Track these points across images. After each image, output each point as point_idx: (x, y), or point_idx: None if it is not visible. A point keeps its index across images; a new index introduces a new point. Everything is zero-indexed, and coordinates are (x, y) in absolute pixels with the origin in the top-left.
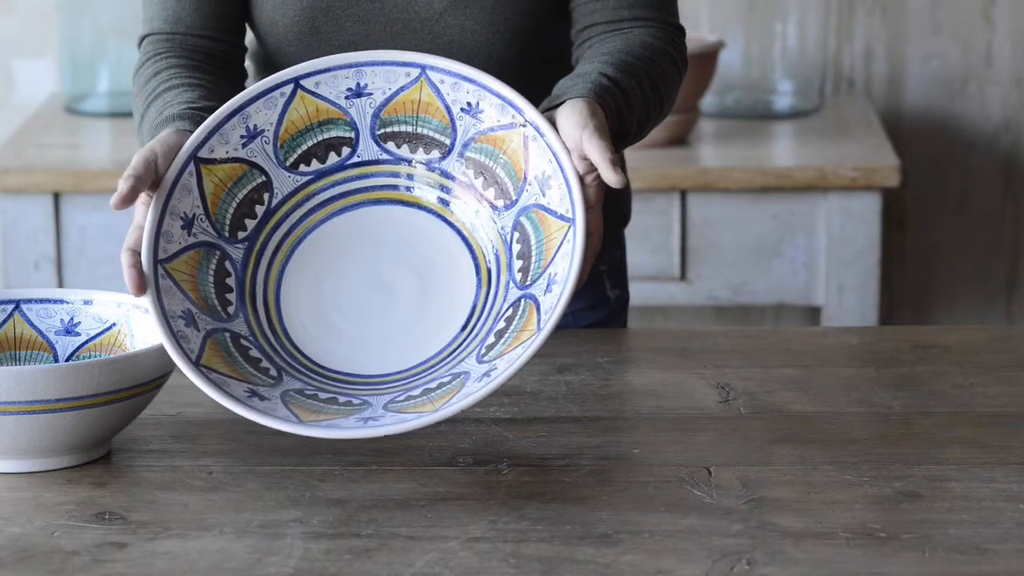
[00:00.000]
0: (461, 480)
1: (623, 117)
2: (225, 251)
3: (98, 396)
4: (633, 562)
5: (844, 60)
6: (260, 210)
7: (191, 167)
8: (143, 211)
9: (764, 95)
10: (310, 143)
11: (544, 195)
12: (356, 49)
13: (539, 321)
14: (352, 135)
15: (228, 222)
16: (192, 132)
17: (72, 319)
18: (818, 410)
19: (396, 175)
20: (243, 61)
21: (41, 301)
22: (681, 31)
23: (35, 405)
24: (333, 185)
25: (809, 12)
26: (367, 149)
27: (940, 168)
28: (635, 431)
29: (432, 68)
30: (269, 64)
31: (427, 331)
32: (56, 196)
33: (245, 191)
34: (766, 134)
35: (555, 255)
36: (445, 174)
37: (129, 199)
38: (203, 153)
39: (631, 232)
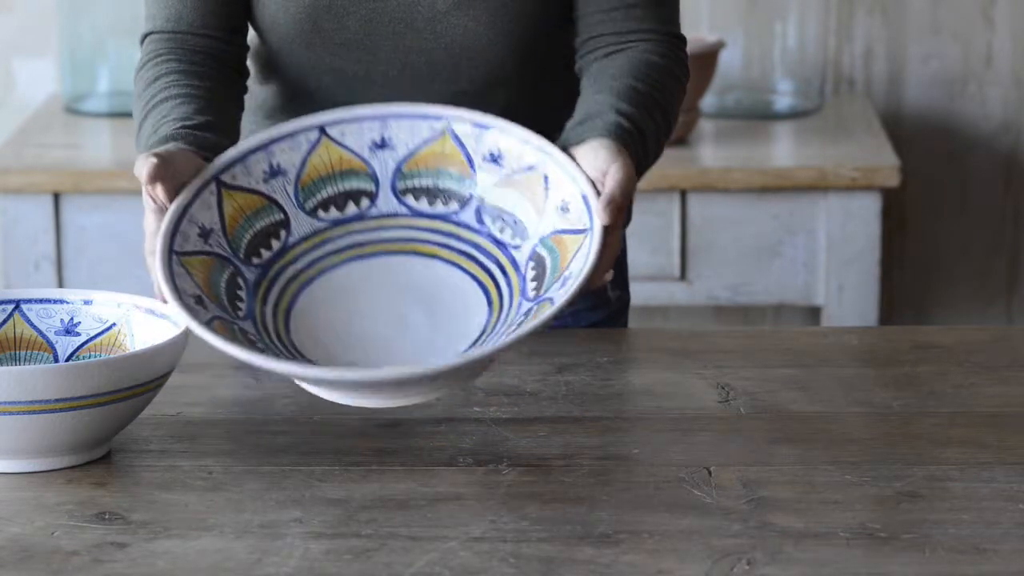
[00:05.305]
0: (461, 480)
1: (639, 158)
2: (239, 268)
3: (98, 396)
4: (633, 562)
5: (844, 60)
6: (276, 244)
7: (213, 186)
8: (152, 219)
9: (764, 95)
10: (330, 191)
11: (562, 219)
12: (358, 47)
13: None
14: (372, 188)
15: (244, 247)
16: (174, 145)
17: (72, 319)
18: (818, 410)
19: (413, 228)
20: (245, 60)
21: (41, 301)
22: (683, 41)
23: (35, 405)
24: (350, 234)
25: (809, 12)
26: (386, 202)
27: (940, 168)
28: (635, 431)
29: (456, 119)
30: (271, 64)
31: (437, 351)
32: (56, 196)
33: (263, 223)
34: (766, 134)
35: (571, 260)
36: (462, 225)
37: (159, 171)
38: (225, 178)
39: (631, 232)
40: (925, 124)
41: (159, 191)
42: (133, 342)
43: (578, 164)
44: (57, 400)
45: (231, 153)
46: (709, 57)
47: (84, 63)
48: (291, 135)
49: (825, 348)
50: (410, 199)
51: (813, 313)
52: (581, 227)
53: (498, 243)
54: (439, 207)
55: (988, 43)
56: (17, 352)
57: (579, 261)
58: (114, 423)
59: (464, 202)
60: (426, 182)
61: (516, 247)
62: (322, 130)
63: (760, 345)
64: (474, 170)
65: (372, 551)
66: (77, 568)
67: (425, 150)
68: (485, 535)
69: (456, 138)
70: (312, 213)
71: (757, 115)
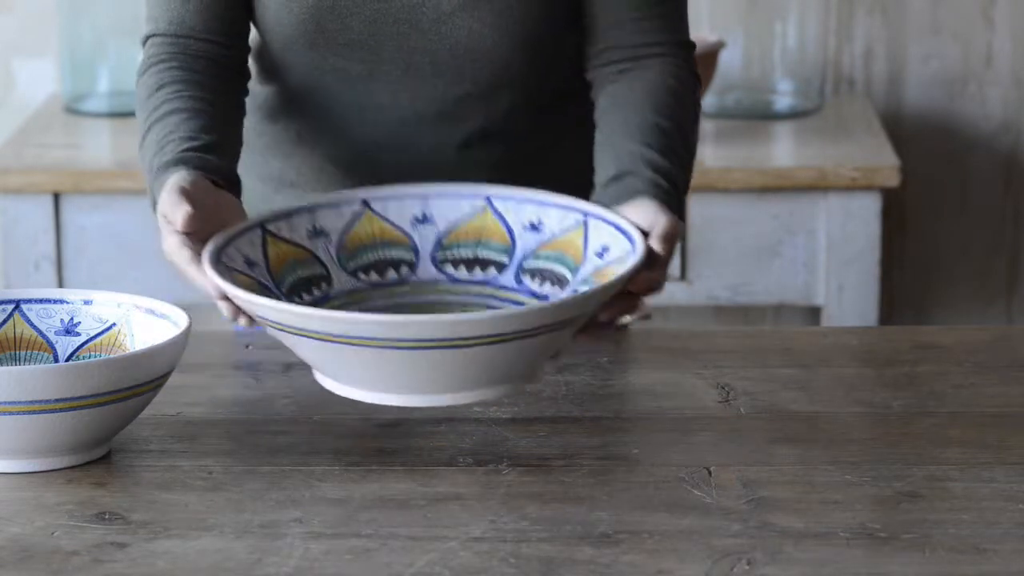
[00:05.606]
0: (461, 480)
1: (677, 211)
2: (280, 299)
3: (98, 396)
4: (633, 562)
5: (844, 60)
6: (317, 292)
7: (258, 230)
8: (175, 240)
9: (764, 95)
10: (371, 257)
11: (602, 258)
12: (361, 48)
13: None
14: (413, 258)
15: (287, 285)
16: (191, 174)
17: (72, 319)
18: (818, 410)
19: (452, 292)
20: (246, 62)
21: (41, 301)
22: (693, 47)
23: (35, 405)
24: (389, 296)
25: (809, 12)
26: (425, 270)
27: (940, 168)
28: (635, 431)
29: (497, 197)
30: (273, 64)
31: None
32: (56, 196)
33: (305, 273)
34: (766, 134)
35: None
36: (501, 287)
37: (196, 217)
38: (271, 227)
39: None
40: (925, 124)
41: (174, 232)
42: (133, 342)
43: (620, 214)
44: (57, 400)
45: (275, 209)
46: (709, 57)
47: (84, 63)
48: (335, 204)
49: (825, 348)
50: (449, 268)
51: (813, 313)
52: (623, 254)
53: (537, 296)
54: (478, 274)
55: (988, 43)
56: (17, 352)
57: (618, 269)
58: (114, 423)
59: (503, 267)
60: (465, 253)
61: (556, 295)
62: (365, 203)
63: (760, 345)
64: (514, 239)
65: (372, 551)
66: (77, 568)
67: (466, 224)
68: (485, 535)
69: (496, 212)
70: (353, 274)
71: (757, 115)
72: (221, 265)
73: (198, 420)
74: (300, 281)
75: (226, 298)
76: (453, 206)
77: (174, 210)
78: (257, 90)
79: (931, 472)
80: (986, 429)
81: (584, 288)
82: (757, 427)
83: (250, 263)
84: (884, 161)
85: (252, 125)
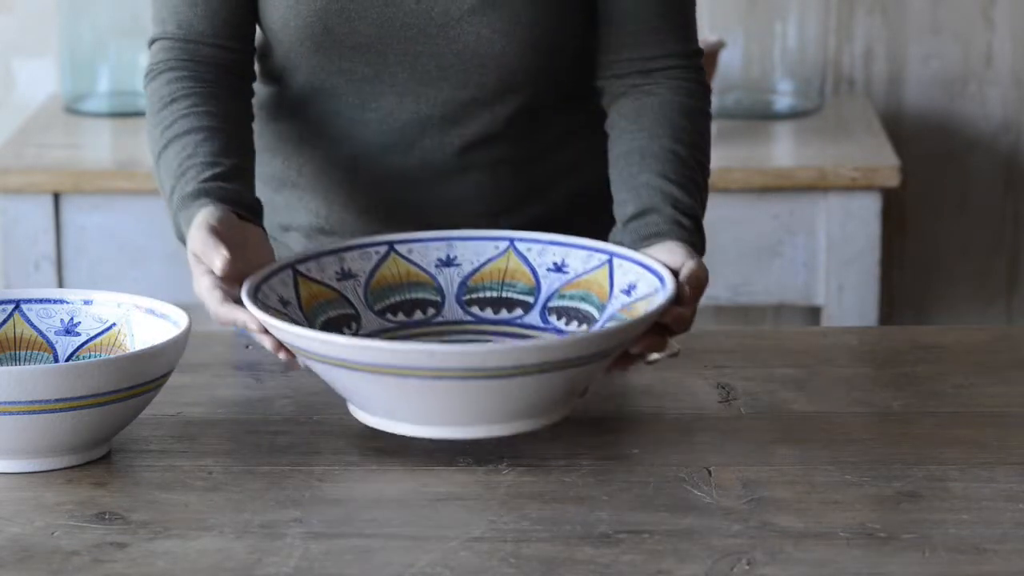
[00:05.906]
0: (461, 480)
1: (700, 249)
2: None
3: (98, 396)
4: (633, 562)
5: (844, 60)
6: (348, 332)
7: (289, 271)
8: (207, 281)
9: (764, 95)
10: (398, 298)
11: (630, 295)
12: (368, 51)
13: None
14: (439, 299)
15: (319, 325)
16: (218, 209)
17: (72, 319)
18: (818, 410)
19: (478, 332)
20: (252, 64)
21: (41, 301)
22: (701, 55)
23: (35, 405)
24: (416, 336)
25: (809, 12)
26: (451, 311)
27: (940, 168)
28: (635, 431)
29: (520, 240)
30: (278, 65)
31: None
32: (56, 196)
33: (335, 313)
34: (766, 134)
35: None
36: (527, 326)
37: (231, 266)
38: (301, 268)
39: None
40: (925, 124)
41: (208, 278)
42: (133, 342)
43: (647, 254)
44: (57, 400)
45: (305, 252)
46: (709, 57)
47: (84, 63)
48: (361, 247)
49: (825, 348)
50: (475, 309)
51: (813, 313)
52: (651, 290)
53: (563, 334)
54: (503, 314)
55: (988, 43)
56: (17, 352)
57: (650, 304)
58: (114, 423)
59: (529, 307)
60: (491, 294)
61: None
62: (391, 246)
63: (760, 345)
64: (538, 280)
65: (372, 551)
66: (77, 568)
67: (490, 266)
68: (485, 535)
69: (519, 254)
70: (380, 314)
71: (757, 115)
72: (259, 302)
73: (198, 420)
74: (330, 321)
75: (266, 332)
76: (477, 248)
77: (210, 253)
78: (260, 90)
79: (931, 472)
80: (986, 429)
81: (610, 324)
82: (757, 427)
83: (284, 302)
84: (884, 161)
85: (254, 125)
